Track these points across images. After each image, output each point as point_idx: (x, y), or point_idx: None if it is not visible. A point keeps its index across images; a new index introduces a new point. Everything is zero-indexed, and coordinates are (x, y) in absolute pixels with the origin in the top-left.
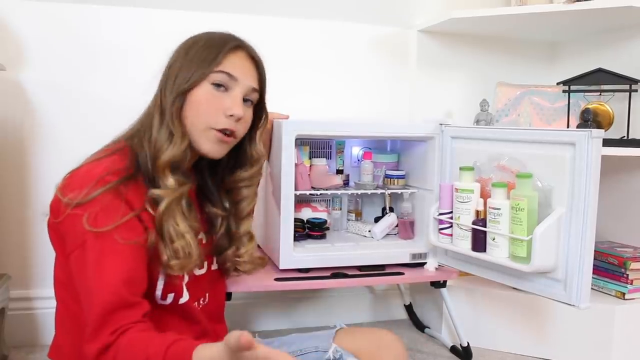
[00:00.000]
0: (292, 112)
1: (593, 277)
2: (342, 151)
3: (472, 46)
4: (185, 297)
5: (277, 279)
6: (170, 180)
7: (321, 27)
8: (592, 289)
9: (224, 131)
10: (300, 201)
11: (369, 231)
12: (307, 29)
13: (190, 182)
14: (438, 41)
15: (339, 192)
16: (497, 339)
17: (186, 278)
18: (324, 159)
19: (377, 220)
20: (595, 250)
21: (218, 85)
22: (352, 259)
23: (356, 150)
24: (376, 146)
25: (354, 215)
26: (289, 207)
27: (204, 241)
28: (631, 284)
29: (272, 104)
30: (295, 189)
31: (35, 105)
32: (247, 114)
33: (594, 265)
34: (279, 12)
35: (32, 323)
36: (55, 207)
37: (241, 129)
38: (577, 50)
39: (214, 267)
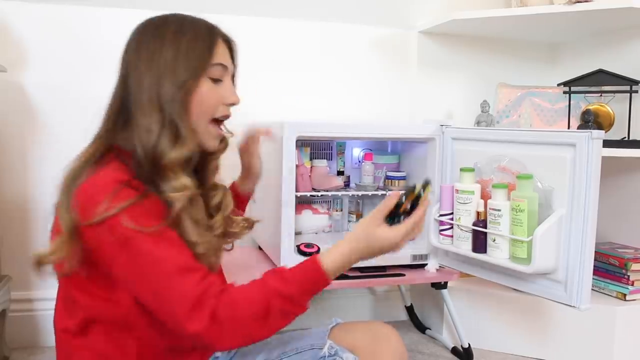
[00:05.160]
0: (293, 113)
1: (594, 278)
2: (343, 152)
3: (472, 47)
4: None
5: None
6: (184, 180)
7: (322, 28)
8: (592, 290)
9: (223, 118)
10: (301, 202)
11: None
12: (307, 30)
13: (196, 183)
14: (439, 42)
15: (339, 193)
16: (498, 340)
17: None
18: (325, 160)
19: None
20: (595, 251)
21: (216, 80)
22: None
23: (357, 152)
24: (377, 147)
25: (354, 216)
26: (289, 208)
27: None
28: (632, 285)
29: (273, 105)
30: (296, 191)
31: (36, 106)
32: None
33: (594, 266)
34: (279, 13)
35: (33, 324)
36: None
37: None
38: (577, 52)
39: None
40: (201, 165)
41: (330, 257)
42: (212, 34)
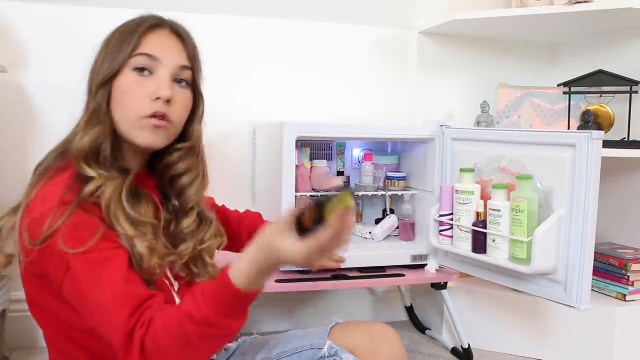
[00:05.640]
0: (293, 113)
1: (594, 279)
2: (343, 153)
3: (473, 48)
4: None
5: (277, 281)
6: (90, 172)
7: (322, 29)
8: (592, 290)
9: (154, 115)
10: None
11: (370, 233)
12: (308, 31)
13: (125, 177)
14: (439, 43)
15: (339, 194)
16: (498, 341)
17: (176, 285)
18: (325, 160)
19: (377, 222)
20: (595, 252)
21: (141, 70)
22: (352, 260)
23: (357, 152)
24: (377, 148)
25: (354, 217)
26: (289, 208)
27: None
28: (632, 285)
29: (274, 105)
30: (296, 191)
31: (36, 106)
32: (181, 95)
33: (594, 266)
34: (279, 14)
35: (33, 325)
36: (26, 251)
37: (176, 112)
38: (577, 52)
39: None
40: (171, 177)
41: (239, 267)
42: (141, 24)
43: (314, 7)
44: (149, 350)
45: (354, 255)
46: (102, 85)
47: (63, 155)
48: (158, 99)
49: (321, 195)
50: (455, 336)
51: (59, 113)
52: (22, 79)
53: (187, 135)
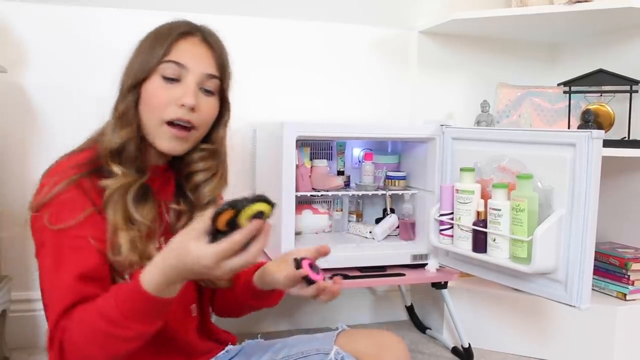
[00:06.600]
0: (293, 113)
1: (594, 278)
2: (343, 152)
3: (473, 47)
4: None
5: None
6: (115, 169)
7: (322, 28)
8: (593, 290)
9: (177, 121)
10: (301, 202)
11: (370, 232)
12: (308, 30)
13: (139, 177)
14: (439, 42)
15: (339, 193)
16: (498, 340)
17: None
18: (325, 160)
19: (378, 221)
20: (596, 251)
21: (169, 78)
22: (353, 260)
23: (357, 152)
24: (377, 147)
25: (354, 216)
26: (290, 208)
27: (163, 245)
28: (632, 284)
29: (274, 104)
30: (296, 191)
31: (36, 107)
32: (206, 103)
33: (594, 266)
34: (279, 14)
35: (33, 325)
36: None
37: (199, 120)
38: (577, 51)
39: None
40: (189, 174)
41: (149, 269)
42: (172, 30)
43: (314, 7)
44: (65, 345)
45: (354, 254)
46: (132, 87)
47: (88, 143)
48: (183, 105)
49: (237, 199)
50: (455, 335)
51: (59, 113)
52: (22, 79)
53: (211, 138)
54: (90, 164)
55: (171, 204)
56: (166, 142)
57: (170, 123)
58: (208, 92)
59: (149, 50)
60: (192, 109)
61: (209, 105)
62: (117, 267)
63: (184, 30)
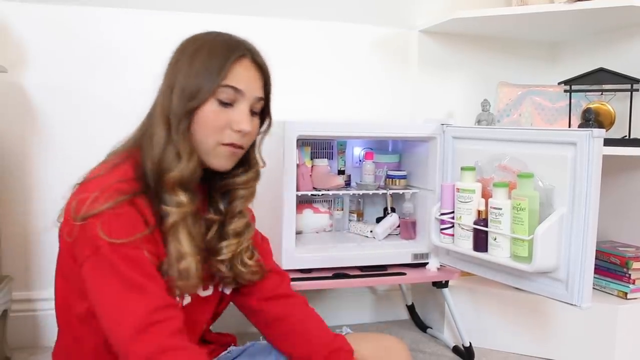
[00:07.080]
0: (294, 112)
1: (595, 277)
2: (344, 152)
3: (473, 46)
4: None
5: None
6: (182, 198)
7: (323, 28)
8: (594, 288)
9: (232, 145)
10: (302, 202)
11: (371, 231)
12: (308, 30)
13: (197, 198)
14: (439, 41)
15: (340, 192)
16: (499, 339)
17: (187, 299)
18: (326, 159)
19: (378, 220)
20: (597, 250)
21: (225, 103)
22: (354, 259)
23: (358, 151)
24: (378, 146)
25: (355, 215)
26: (290, 207)
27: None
28: (633, 283)
29: (275, 104)
30: (297, 190)
31: (36, 107)
32: (254, 125)
33: (595, 265)
34: (280, 13)
35: (34, 325)
36: (69, 227)
37: (248, 142)
38: (578, 50)
39: (222, 289)
40: (227, 190)
41: None
42: (230, 52)
43: (314, 7)
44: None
45: (355, 253)
46: (190, 113)
47: (129, 150)
48: (239, 131)
49: None
50: (456, 334)
51: (59, 113)
52: (22, 79)
53: (249, 157)
54: (137, 180)
55: (206, 215)
56: (223, 160)
57: (225, 145)
58: (254, 114)
59: (205, 72)
60: (246, 134)
61: (255, 127)
62: (173, 288)
63: (241, 54)
